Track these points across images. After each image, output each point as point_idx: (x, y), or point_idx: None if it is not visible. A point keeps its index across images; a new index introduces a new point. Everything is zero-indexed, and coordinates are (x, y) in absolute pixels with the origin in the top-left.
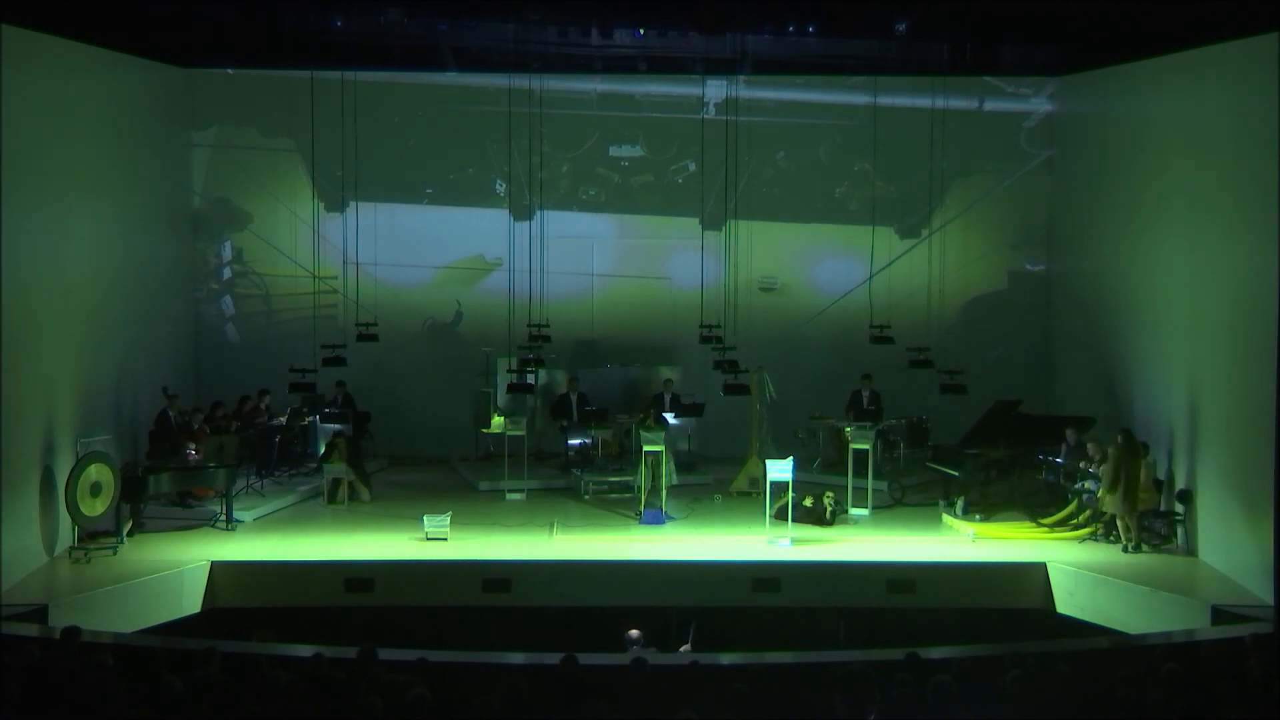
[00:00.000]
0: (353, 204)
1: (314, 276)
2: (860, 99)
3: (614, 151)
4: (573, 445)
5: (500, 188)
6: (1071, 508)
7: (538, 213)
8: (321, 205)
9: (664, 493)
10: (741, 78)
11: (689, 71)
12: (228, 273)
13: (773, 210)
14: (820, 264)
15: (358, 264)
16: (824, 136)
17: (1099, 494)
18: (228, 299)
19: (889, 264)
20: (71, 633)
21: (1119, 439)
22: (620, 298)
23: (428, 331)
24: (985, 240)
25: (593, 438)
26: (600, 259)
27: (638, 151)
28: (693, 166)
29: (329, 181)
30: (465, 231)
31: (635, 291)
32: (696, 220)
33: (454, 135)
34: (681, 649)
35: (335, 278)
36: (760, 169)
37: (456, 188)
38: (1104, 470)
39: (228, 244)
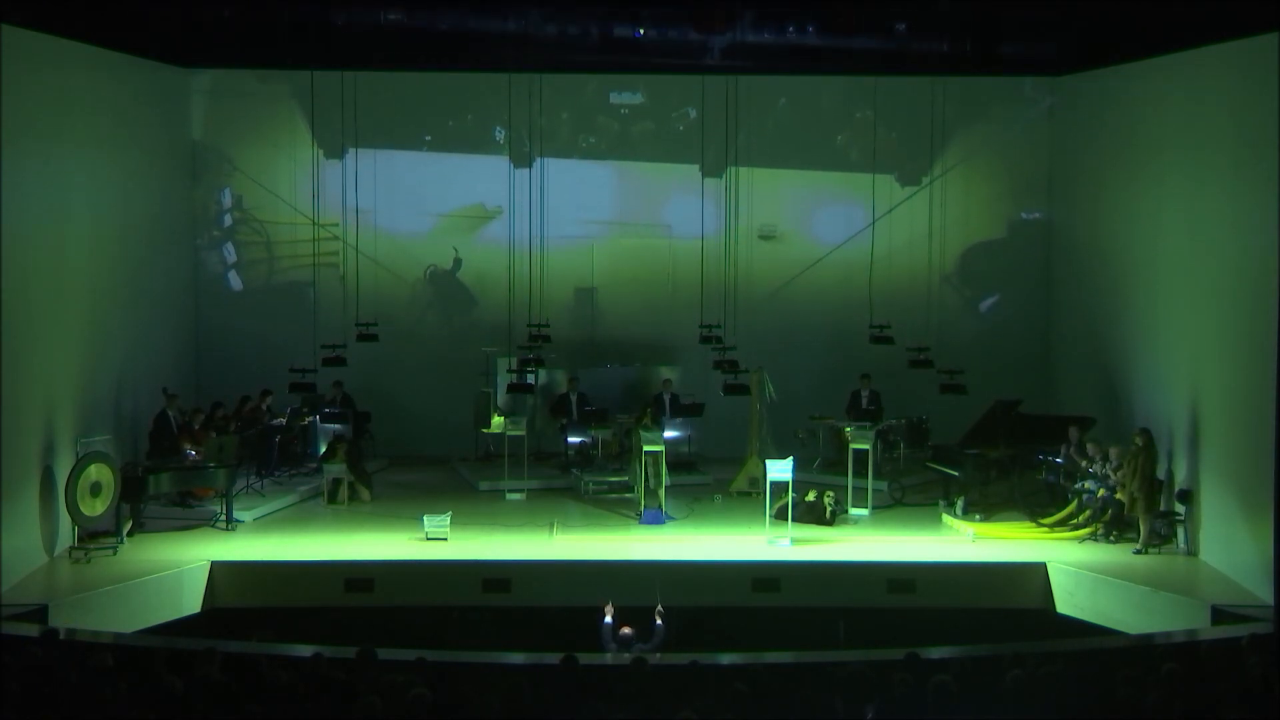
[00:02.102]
0: (352, 150)
1: (314, 224)
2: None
3: (614, 99)
4: (573, 445)
5: (500, 135)
6: (1071, 508)
7: (537, 160)
8: (321, 152)
9: (664, 493)
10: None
11: (689, 72)
12: (228, 219)
13: (774, 158)
14: (820, 211)
15: (358, 211)
16: (825, 84)
17: (1122, 493)
18: (229, 246)
19: (889, 211)
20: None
21: (1139, 440)
22: (620, 251)
23: (429, 279)
24: (987, 189)
25: (593, 437)
26: (600, 206)
27: (638, 99)
28: (694, 113)
29: (328, 128)
30: (465, 179)
31: (635, 246)
32: (697, 168)
33: (453, 82)
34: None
35: (336, 224)
36: (762, 116)
37: (455, 135)
38: (1125, 470)
39: (227, 191)
